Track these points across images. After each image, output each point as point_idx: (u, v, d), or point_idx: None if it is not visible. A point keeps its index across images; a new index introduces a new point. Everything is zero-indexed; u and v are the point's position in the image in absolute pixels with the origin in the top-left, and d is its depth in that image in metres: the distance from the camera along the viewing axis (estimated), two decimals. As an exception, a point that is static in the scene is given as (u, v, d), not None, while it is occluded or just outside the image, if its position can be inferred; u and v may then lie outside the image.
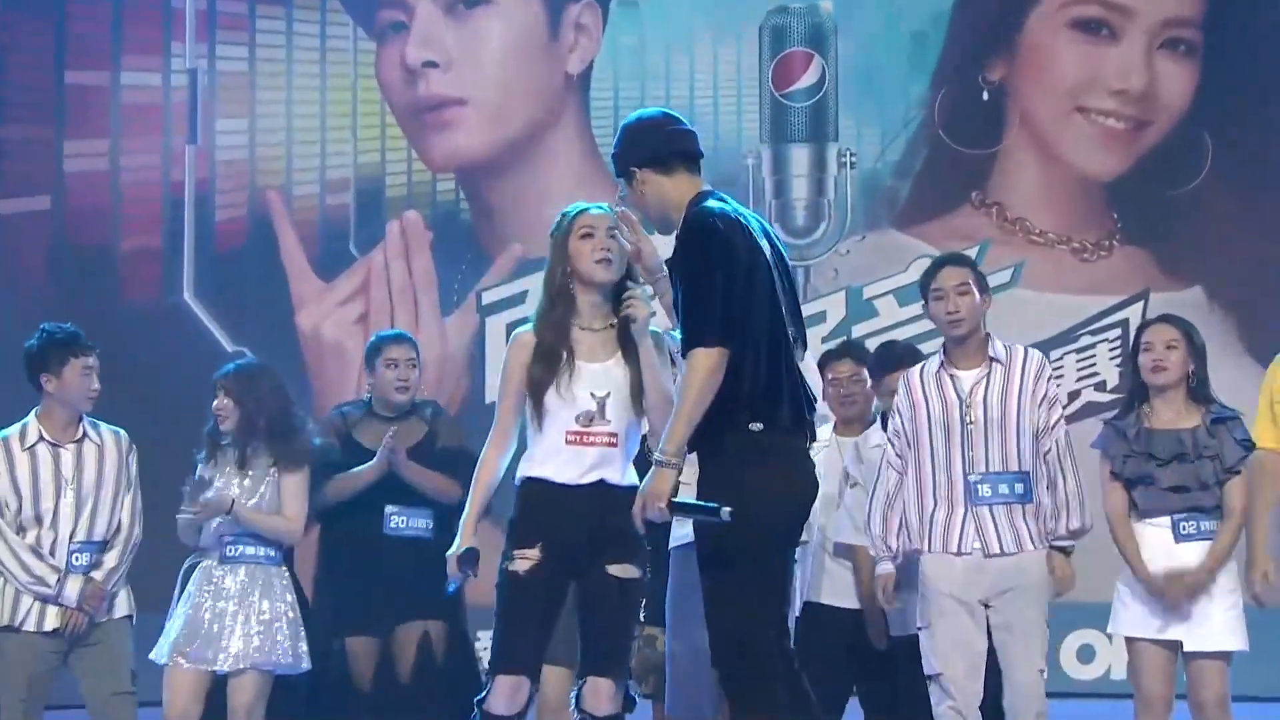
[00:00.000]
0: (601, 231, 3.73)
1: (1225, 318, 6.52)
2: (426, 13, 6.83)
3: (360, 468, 4.92)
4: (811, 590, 4.83)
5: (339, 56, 6.89)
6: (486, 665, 3.75)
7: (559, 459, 3.67)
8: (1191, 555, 4.38)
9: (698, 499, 3.46)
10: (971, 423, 4.27)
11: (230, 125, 6.87)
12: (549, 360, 3.69)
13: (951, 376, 4.34)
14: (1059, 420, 4.35)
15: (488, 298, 6.76)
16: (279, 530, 4.71)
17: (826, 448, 4.84)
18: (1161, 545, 4.42)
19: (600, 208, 3.80)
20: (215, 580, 4.68)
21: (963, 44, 6.73)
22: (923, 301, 4.46)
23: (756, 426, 3.43)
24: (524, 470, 3.73)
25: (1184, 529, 4.40)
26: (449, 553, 3.72)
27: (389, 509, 4.89)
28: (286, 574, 4.75)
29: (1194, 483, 4.39)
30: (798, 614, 4.76)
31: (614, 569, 3.66)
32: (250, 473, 4.70)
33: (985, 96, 6.68)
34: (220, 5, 6.85)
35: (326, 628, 4.92)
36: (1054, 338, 6.50)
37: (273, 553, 4.72)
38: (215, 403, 4.69)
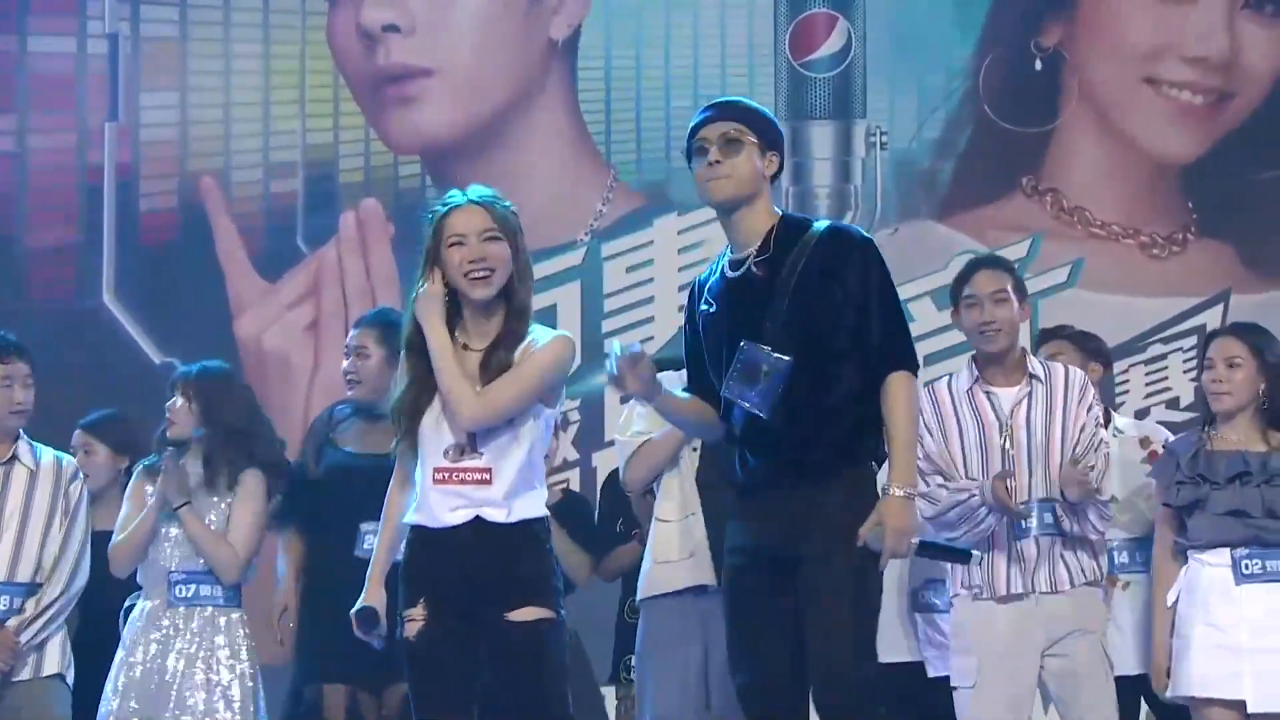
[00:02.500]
0: (474, 238, 3.55)
1: None
2: (386, -33, 6.86)
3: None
4: None
5: (285, 19, 6.76)
6: None
7: (430, 501, 3.55)
8: (1257, 600, 4.26)
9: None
10: (1013, 448, 4.26)
11: (157, 99, 6.72)
12: (419, 387, 3.58)
13: (988, 394, 4.34)
14: (1103, 441, 4.35)
15: (458, 300, 6.57)
16: (221, 559, 4.55)
17: None
18: (1219, 587, 4.29)
19: (474, 198, 3.60)
20: (164, 629, 4.53)
21: (1013, 3, 6.64)
22: (951, 309, 4.47)
23: (872, 464, 3.61)
24: (407, 518, 3.64)
25: (1247, 568, 4.28)
26: (352, 610, 3.64)
27: (364, 527, 4.64)
28: (243, 617, 4.61)
29: (1258, 509, 4.28)
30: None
31: (516, 615, 3.50)
32: (214, 494, 4.60)
33: (1039, 65, 6.59)
34: (146, -42, 6.84)
35: (295, 671, 4.75)
36: (1119, 346, 6.25)
37: (230, 592, 4.59)
38: (169, 403, 4.61)
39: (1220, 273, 6.46)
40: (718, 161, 3.55)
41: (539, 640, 3.50)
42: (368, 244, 6.62)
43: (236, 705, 4.49)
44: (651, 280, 6.53)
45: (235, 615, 4.56)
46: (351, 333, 4.82)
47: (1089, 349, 4.88)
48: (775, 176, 3.65)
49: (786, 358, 3.47)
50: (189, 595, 4.53)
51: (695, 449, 4.51)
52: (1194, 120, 6.52)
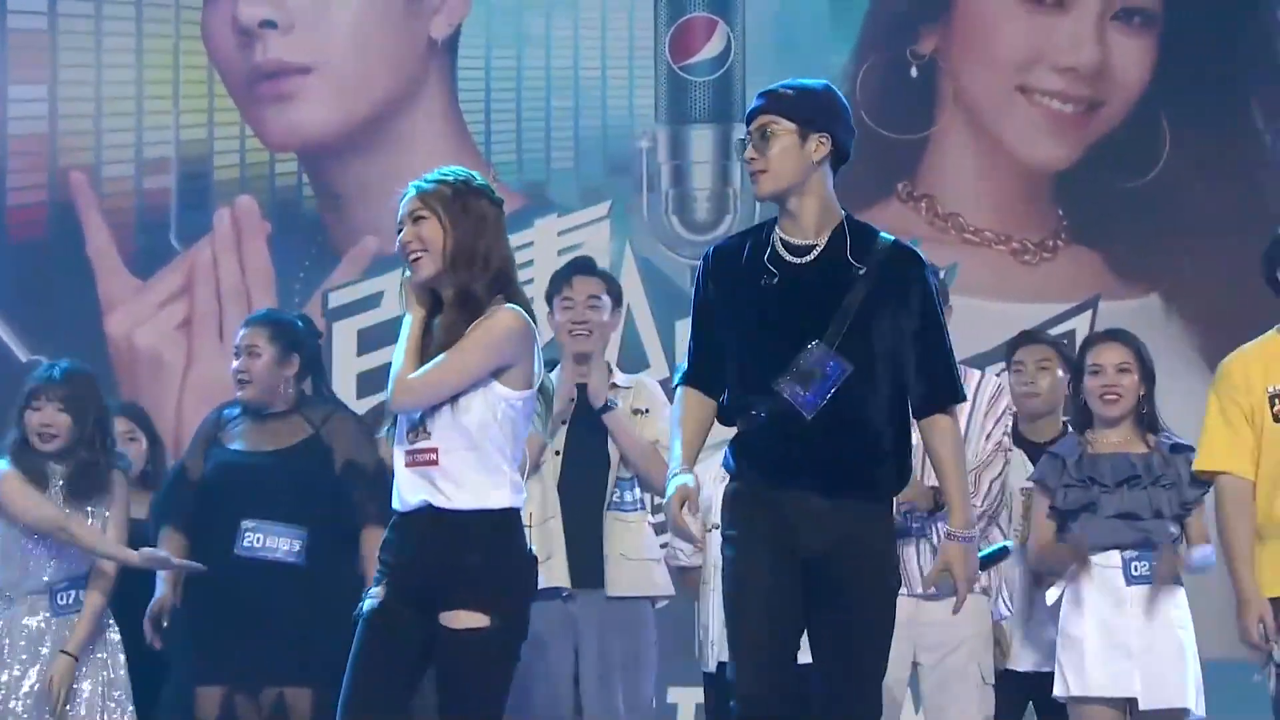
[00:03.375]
0: (406, 222, 3.54)
1: (1185, 328, 6.48)
2: (264, -39, 6.81)
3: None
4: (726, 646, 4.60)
5: (158, 13, 6.73)
6: None
7: (398, 483, 3.57)
8: (1144, 600, 4.35)
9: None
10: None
11: (26, 93, 6.69)
12: None
13: None
14: (1006, 453, 4.42)
15: (335, 299, 6.59)
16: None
17: None
18: (1109, 588, 4.36)
19: (414, 184, 3.58)
20: (42, 637, 4.51)
21: (889, 11, 6.67)
22: None
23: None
24: None
25: (1136, 569, 4.36)
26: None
27: (245, 524, 4.57)
28: (112, 617, 4.60)
29: (1146, 511, 4.35)
30: (711, 669, 4.77)
31: (448, 618, 3.44)
32: (89, 505, 4.55)
33: (914, 72, 6.63)
34: (14, -52, 6.82)
35: (172, 672, 4.69)
36: (990, 351, 6.25)
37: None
38: (38, 416, 4.49)
39: (1090, 279, 6.51)
40: (752, 158, 3.51)
41: (463, 650, 3.43)
42: (243, 242, 6.59)
43: (98, 709, 4.48)
44: (532, 281, 6.23)
45: (108, 618, 4.57)
46: (240, 332, 4.73)
47: (1069, 358, 4.83)
48: (838, 158, 3.54)
49: (849, 365, 3.44)
50: (68, 602, 4.51)
51: (558, 452, 4.56)
52: (1065, 128, 6.57)
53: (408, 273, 3.54)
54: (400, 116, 6.63)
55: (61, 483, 4.52)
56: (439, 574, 3.45)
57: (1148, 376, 4.46)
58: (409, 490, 3.50)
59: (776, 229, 3.56)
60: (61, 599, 4.49)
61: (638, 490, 4.63)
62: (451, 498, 3.46)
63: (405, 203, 3.54)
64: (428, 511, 3.47)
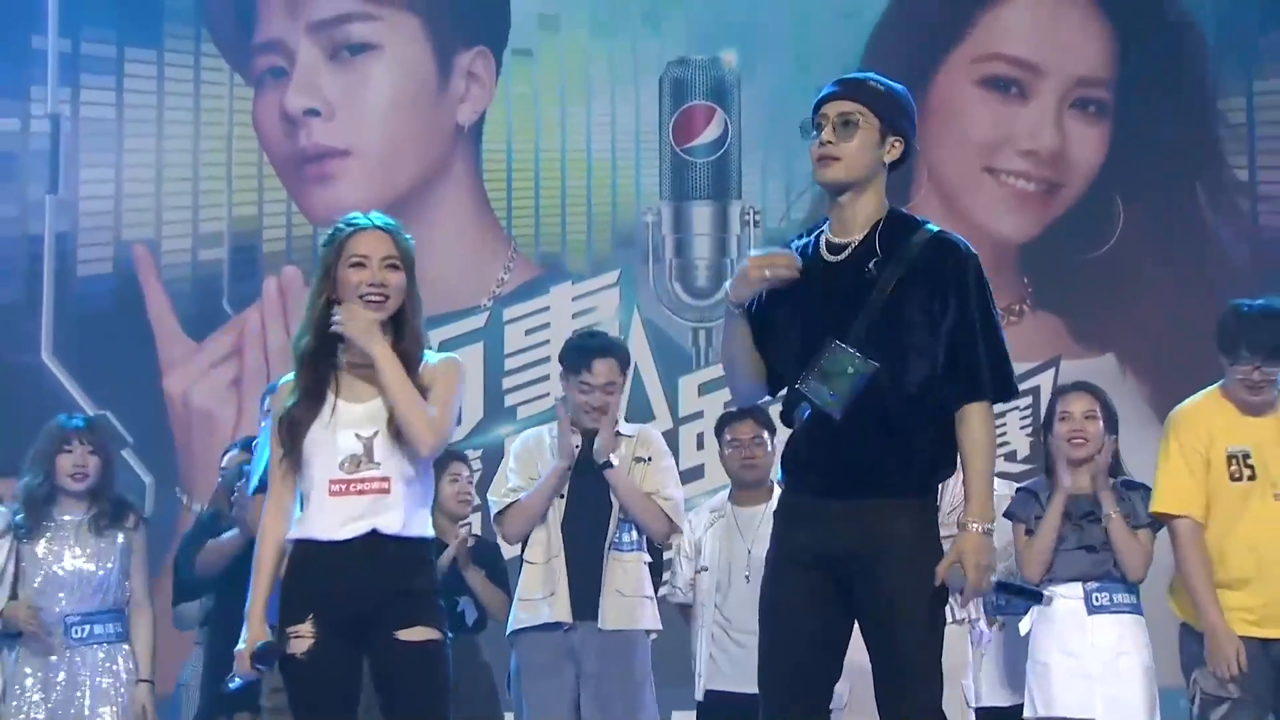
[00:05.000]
0: (376, 262, 3.41)
1: (1138, 386, 6.63)
2: (308, 58, 6.87)
3: (229, 535, 4.73)
4: (711, 676, 4.91)
5: (214, 103, 6.89)
6: None
7: (324, 513, 3.39)
8: (1106, 629, 4.52)
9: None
10: None
11: (95, 174, 6.83)
12: (307, 402, 3.42)
13: None
14: None
15: (372, 361, 6.78)
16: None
17: (722, 518, 4.99)
18: (1073, 617, 4.53)
19: (377, 223, 3.45)
20: (50, 669, 4.57)
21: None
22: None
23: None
24: (291, 533, 3.45)
25: (1096, 600, 4.52)
26: (237, 647, 3.43)
27: None
28: (127, 648, 4.68)
29: (1103, 544, 4.51)
30: (700, 698, 4.94)
31: (406, 634, 3.36)
32: (100, 540, 4.63)
33: None
34: (85, 47, 6.82)
35: (201, 703, 4.86)
36: None
37: (122, 628, 4.66)
38: (71, 458, 4.56)
39: (1052, 341, 6.66)
40: (830, 142, 3.24)
41: (429, 660, 3.37)
42: (288, 308, 6.63)
43: None
44: (548, 342, 6.64)
45: (126, 648, 4.66)
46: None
47: None
48: (900, 164, 3.29)
49: (874, 362, 3.19)
50: (85, 635, 4.56)
51: (562, 496, 4.61)
52: (1028, 205, 6.74)
53: (338, 311, 3.38)
54: (430, 194, 6.76)
55: (87, 517, 4.59)
56: (382, 601, 3.35)
57: (1111, 424, 4.61)
58: (342, 520, 3.35)
59: (826, 227, 3.34)
60: (78, 632, 4.57)
61: (635, 532, 4.65)
62: (400, 525, 3.38)
63: (374, 241, 3.40)
64: (373, 538, 3.36)
